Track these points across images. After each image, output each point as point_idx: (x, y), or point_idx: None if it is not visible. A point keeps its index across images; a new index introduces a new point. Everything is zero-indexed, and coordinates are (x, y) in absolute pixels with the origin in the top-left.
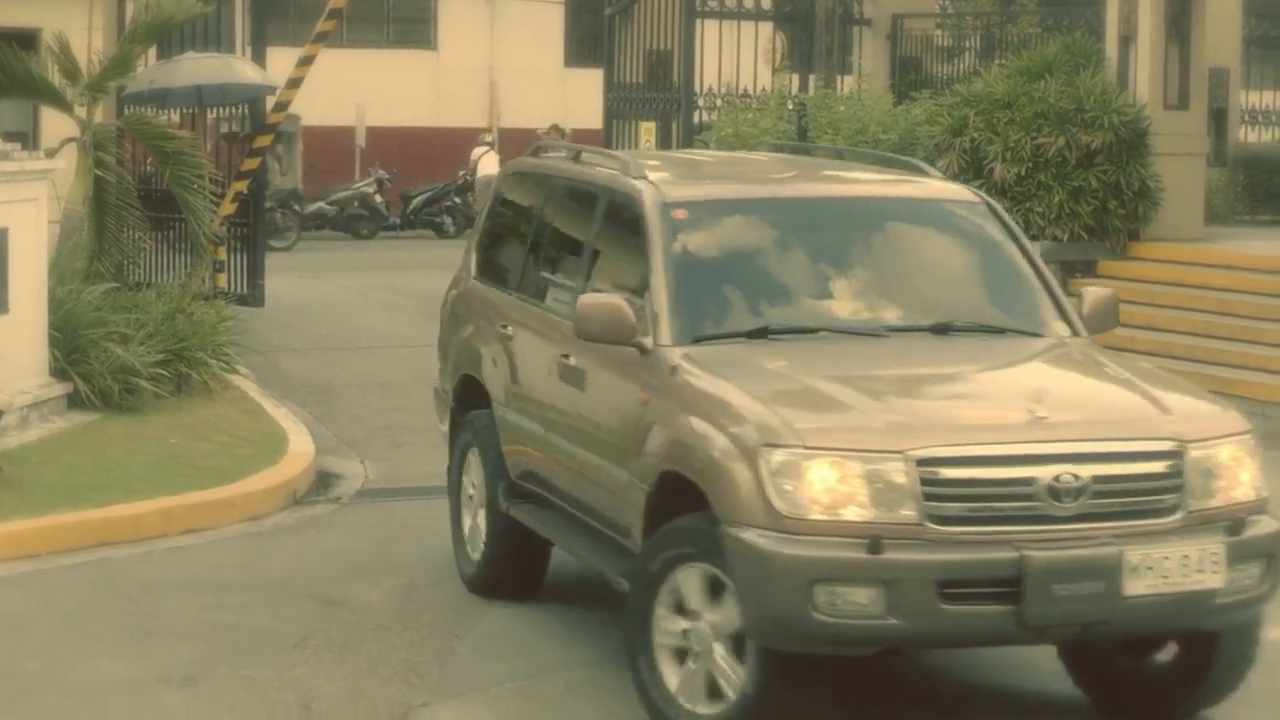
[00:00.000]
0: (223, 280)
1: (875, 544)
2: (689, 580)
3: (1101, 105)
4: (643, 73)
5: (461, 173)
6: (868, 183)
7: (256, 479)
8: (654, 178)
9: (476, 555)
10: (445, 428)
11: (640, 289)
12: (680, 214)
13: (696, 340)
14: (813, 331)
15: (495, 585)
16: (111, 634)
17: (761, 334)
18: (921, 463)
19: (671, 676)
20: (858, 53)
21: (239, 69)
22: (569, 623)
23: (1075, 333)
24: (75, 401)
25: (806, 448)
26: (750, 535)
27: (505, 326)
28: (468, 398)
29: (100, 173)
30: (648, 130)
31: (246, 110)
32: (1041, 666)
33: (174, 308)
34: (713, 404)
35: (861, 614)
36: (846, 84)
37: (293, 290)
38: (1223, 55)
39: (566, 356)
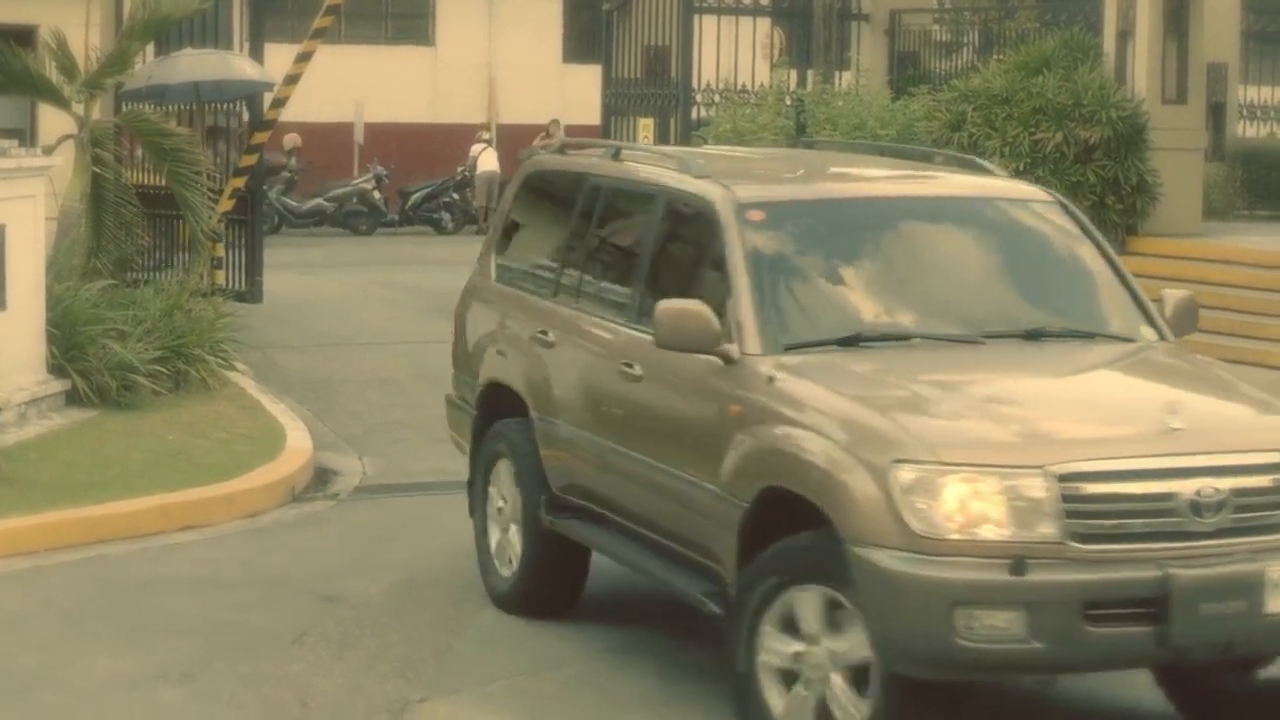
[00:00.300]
0: (221, 277)
1: (1019, 564)
2: (802, 603)
3: (1099, 100)
4: (641, 68)
5: (460, 169)
6: (943, 181)
7: (254, 476)
8: (720, 178)
9: (509, 571)
10: (463, 437)
11: (713, 295)
12: (756, 215)
13: (786, 349)
14: (905, 339)
15: (531, 602)
16: (109, 631)
17: (853, 342)
18: (1063, 478)
19: (776, 700)
20: (856, 48)
21: (237, 65)
22: (566, 620)
23: (1162, 336)
24: (73, 398)
25: (941, 463)
26: (881, 556)
27: (545, 333)
28: (494, 406)
29: (98, 170)
30: (645, 126)
31: (242, 106)
32: (1131, 678)
33: (172, 304)
34: (827, 417)
35: (1002, 638)
36: (845, 79)
37: (291, 287)
38: (1221, 50)
39: (629, 365)
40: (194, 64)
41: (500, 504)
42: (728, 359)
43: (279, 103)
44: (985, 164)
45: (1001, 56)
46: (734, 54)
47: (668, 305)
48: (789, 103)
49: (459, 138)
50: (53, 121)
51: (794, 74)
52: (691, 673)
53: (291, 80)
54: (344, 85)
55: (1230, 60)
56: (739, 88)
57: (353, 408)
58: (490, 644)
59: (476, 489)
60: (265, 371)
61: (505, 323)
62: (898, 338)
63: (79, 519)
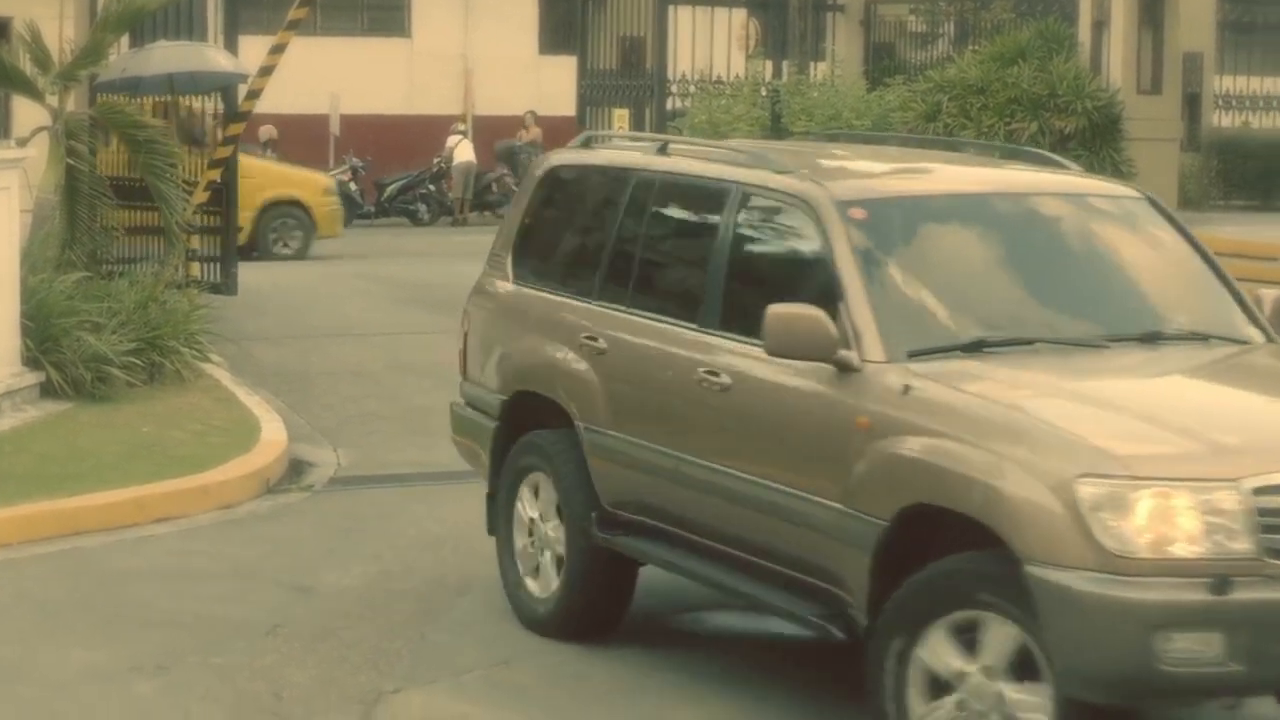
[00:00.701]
0: (196, 269)
1: (1222, 583)
2: (965, 626)
3: (1075, 90)
4: (616, 60)
5: (436, 160)
6: (1033, 176)
7: (229, 467)
8: (807, 174)
9: (545, 592)
10: (479, 449)
11: (812, 298)
12: (858, 214)
13: (909, 356)
14: (1028, 343)
15: (575, 624)
16: (84, 623)
17: (976, 348)
18: (1258, 491)
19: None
20: (831, 39)
21: (211, 57)
22: None
23: (1269, 338)
24: (48, 390)
25: (1133, 478)
26: (1069, 578)
27: (594, 339)
28: (522, 417)
29: (72, 161)
30: (620, 117)
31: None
32: None
33: (147, 296)
34: (986, 427)
35: (1199, 661)
36: (820, 70)
37: (266, 278)
38: (1197, 40)
39: (714, 374)
40: (168, 56)
41: (532, 521)
42: (845, 367)
43: (254, 94)
44: (1055, 157)
45: (977, 47)
46: (709, 45)
47: (779, 310)
48: (764, 93)
49: (435, 130)
50: (27, 113)
51: (769, 65)
52: (667, 662)
53: (266, 72)
54: (319, 77)
55: (1206, 50)
56: (714, 78)
57: (327, 399)
58: (464, 634)
59: (500, 505)
60: (240, 363)
61: (535, 328)
62: (1021, 342)
63: (53, 511)
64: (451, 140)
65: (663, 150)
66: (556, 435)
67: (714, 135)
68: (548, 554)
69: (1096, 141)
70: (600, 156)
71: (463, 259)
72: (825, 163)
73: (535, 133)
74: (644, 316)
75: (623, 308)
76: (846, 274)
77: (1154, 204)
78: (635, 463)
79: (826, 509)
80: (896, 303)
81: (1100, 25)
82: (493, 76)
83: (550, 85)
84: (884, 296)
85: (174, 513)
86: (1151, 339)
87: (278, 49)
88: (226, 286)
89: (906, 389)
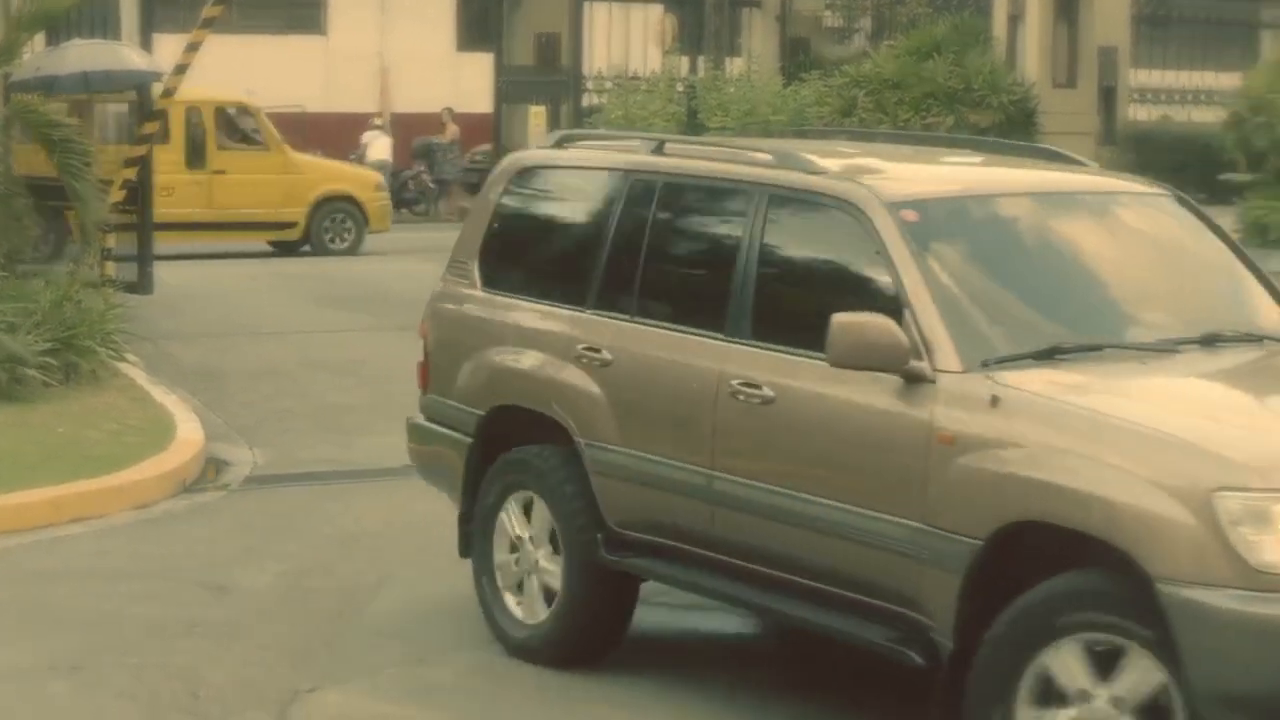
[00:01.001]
0: (111, 268)
1: None
2: (1069, 657)
3: (990, 85)
4: (533, 56)
5: (351, 156)
6: (1066, 175)
7: (145, 466)
8: (844, 173)
9: (535, 619)
10: (448, 468)
11: (866, 306)
12: (910, 215)
13: (984, 365)
14: (1097, 349)
15: (573, 649)
16: None
17: (1049, 355)
18: None
19: None
20: (747, 35)
21: (126, 55)
22: (456, 606)
23: None
24: None
25: (1273, 490)
26: (1210, 596)
27: (595, 350)
28: (504, 433)
29: None
30: (537, 114)
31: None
32: None
33: (62, 295)
34: (1099, 440)
35: None
36: (736, 66)
37: (182, 277)
38: (1112, 34)
39: (753, 386)
40: (83, 54)
41: (517, 543)
42: (916, 378)
43: (169, 93)
44: (1068, 154)
45: (892, 42)
46: (625, 41)
47: (846, 320)
48: (680, 89)
49: (351, 127)
50: None
51: (685, 60)
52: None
53: (181, 70)
54: (235, 75)
55: (1121, 44)
56: (630, 75)
57: (243, 398)
58: (381, 633)
59: (477, 525)
60: (156, 362)
61: (517, 338)
62: (1091, 348)
63: None
64: (366, 136)
65: (659, 150)
66: (549, 452)
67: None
68: (535, 578)
69: (1012, 135)
70: (580, 156)
71: (377, 257)
72: (855, 161)
73: (453, 130)
74: (656, 326)
75: (626, 317)
76: (909, 280)
77: (1183, 201)
78: (652, 480)
79: (900, 528)
80: (963, 309)
81: (1015, 19)
82: (410, 74)
83: (468, 82)
84: (951, 303)
85: (90, 513)
86: (1210, 341)
87: (193, 47)
88: (142, 285)
89: (995, 400)
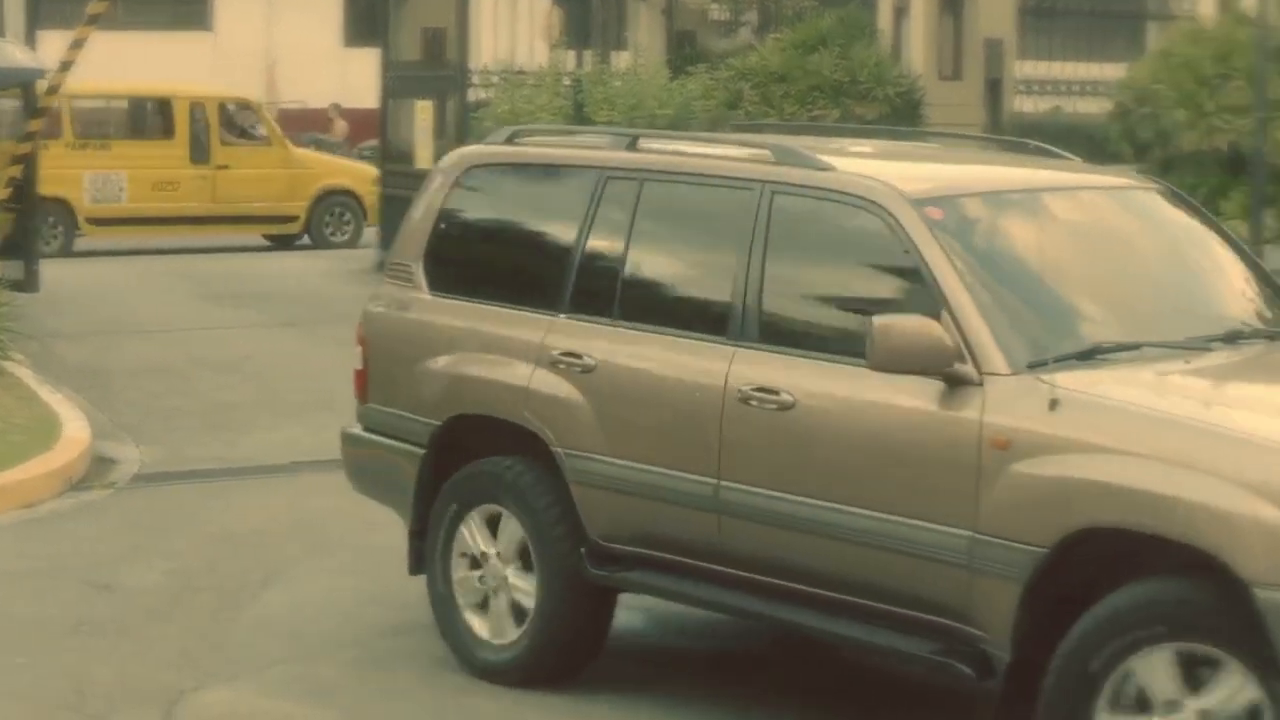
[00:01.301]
0: None
1: None
2: (1157, 664)
3: (876, 77)
4: (420, 51)
5: None
6: (1077, 171)
7: (30, 465)
8: (864, 171)
9: (505, 639)
10: (396, 481)
11: (894, 307)
12: (935, 213)
13: (1029, 366)
14: (1135, 347)
15: (549, 668)
16: None
17: (1091, 355)
18: None
19: None
20: (634, 28)
21: (9, 53)
22: (341, 604)
23: None
24: None
25: None
26: None
27: (576, 356)
28: (461, 444)
29: None
30: (424, 109)
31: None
32: None
33: None
34: (1182, 442)
35: None
36: (623, 59)
37: (69, 275)
38: (997, 26)
39: (771, 392)
40: None
41: (482, 559)
42: (960, 381)
43: (54, 89)
44: (1054, 149)
45: (778, 35)
46: (512, 35)
47: (888, 321)
48: (567, 83)
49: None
50: None
51: (572, 54)
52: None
53: (66, 67)
54: (122, 71)
55: (1007, 36)
56: (517, 69)
57: (130, 396)
58: (267, 630)
59: (433, 543)
60: (42, 361)
61: (477, 344)
62: (1132, 347)
63: None
64: None
65: (632, 145)
66: (520, 463)
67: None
68: (503, 596)
69: (898, 127)
70: (540, 154)
71: (266, 254)
72: (859, 158)
73: (341, 126)
74: (646, 330)
75: (608, 321)
76: (945, 280)
77: (1178, 196)
78: (645, 490)
79: (948, 536)
80: (1002, 309)
81: (901, 12)
82: (297, 69)
83: (355, 78)
84: (989, 303)
85: None
86: (1233, 338)
87: (78, 44)
88: (28, 283)
89: (1055, 404)
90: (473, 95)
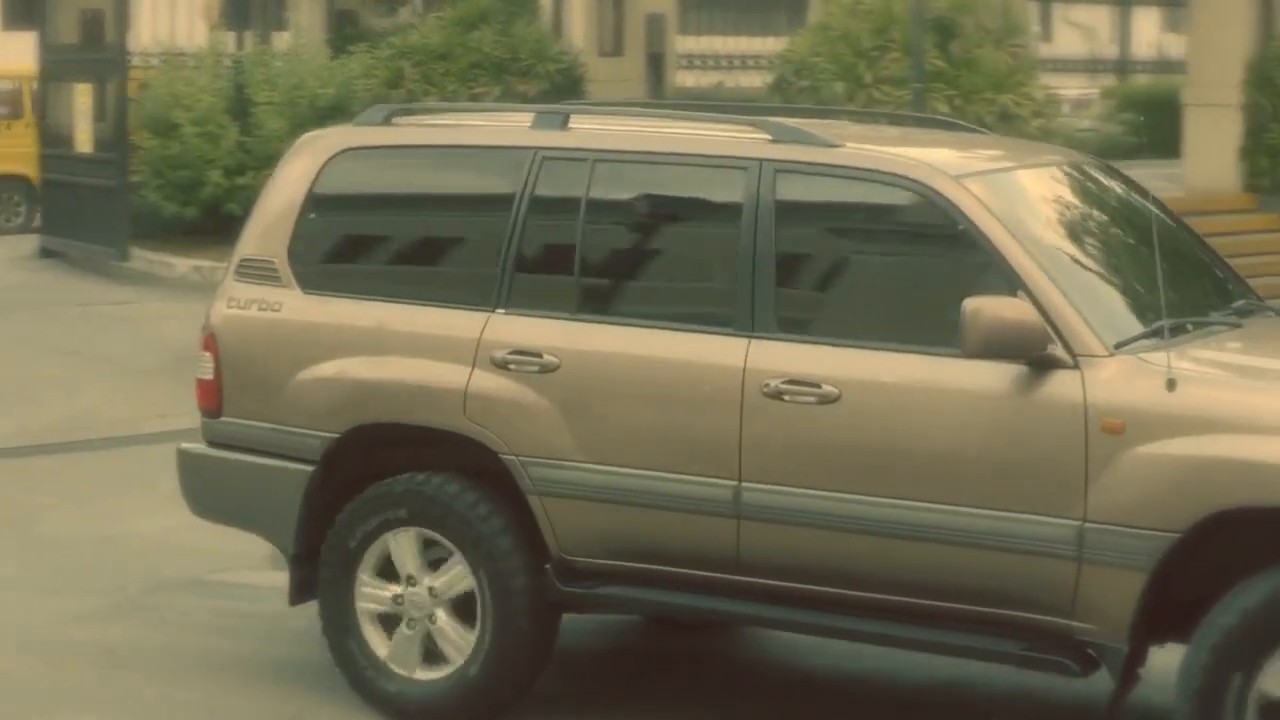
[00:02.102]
0: None
1: None
2: None
3: (537, 54)
4: (78, 33)
5: None
6: (1039, 146)
7: None
8: (885, 146)
9: (434, 673)
10: (270, 500)
11: (950, 289)
12: (979, 189)
13: (1117, 346)
14: (1206, 324)
15: (493, 701)
16: None
17: (1172, 332)
18: None
19: None
20: (294, 8)
21: None
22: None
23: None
24: None
25: None
26: None
27: (533, 354)
28: (364, 458)
29: None
30: (84, 92)
31: None
32: None
33: None
34: None
35: None
36: (284, 40)
37: None
38: (658, 1)
39: (810, 385)
40: None
41: (400, 588)
42: (1053, 364)
43: None
44: (968, 125)
45: (440, 13)
46: (171, 16)
47: (981, 304)
48: (228, 64)
49: None
50: None
51: (232, 36)
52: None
53: None
54: None
55: (668, 11)
56: (178, 50)
57: None
58: None
59: (332, 572)
60: None
61: (382, 345)
62: (1180, 326)
63: None
64: None
65: (565, 124)
66: (454, 480)
67: (177, 108)
68: (425, 625)
69: (560, 103)
70: (435, 135)
71: None
72: (865, 134)
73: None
74: (621, 324)
75: (566, 315)
76: (1017, 259)
77: (1112, 169)
78: (637, 498)
79: (1053, 528)
80: (1077, 288)
81: None
82: None
83: (16, 61)
84: (1066, 282)
85: None
86: (1245, 313)
87: None
88: None
89: (1172, 384)
90: (131, 77)
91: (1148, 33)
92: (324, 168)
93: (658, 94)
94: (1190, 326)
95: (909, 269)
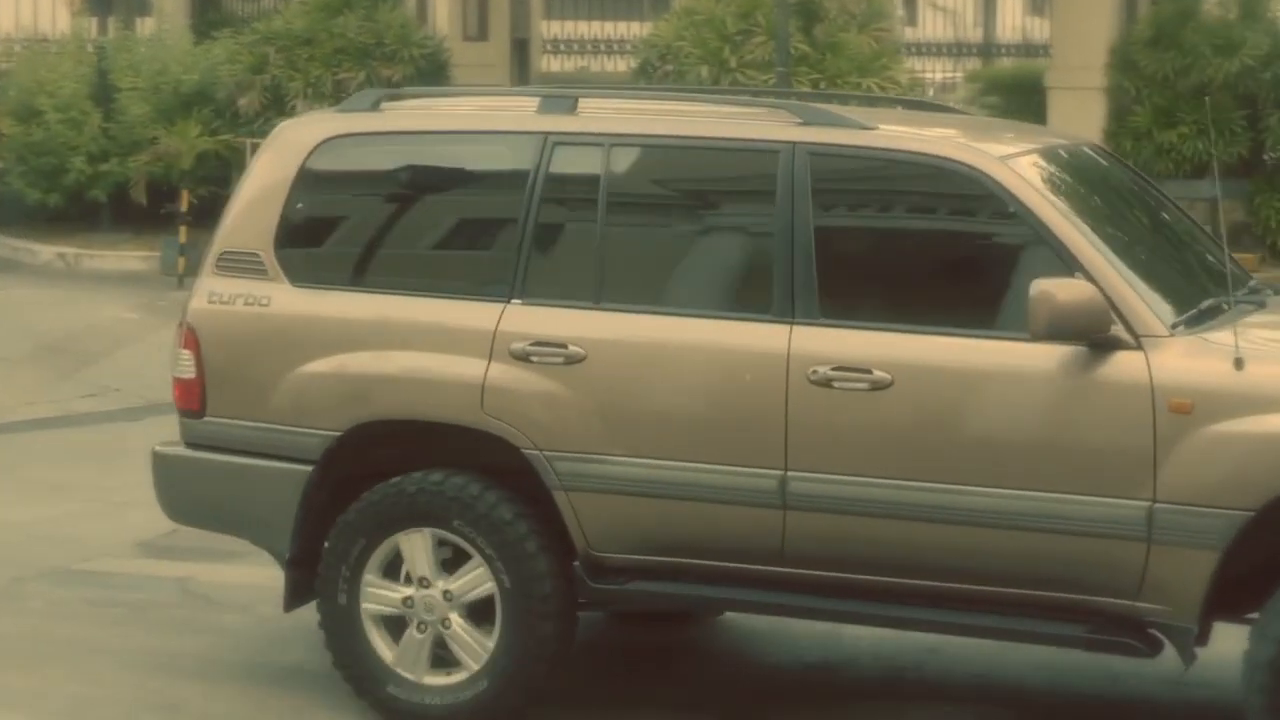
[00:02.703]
0: None
1: None
2: None
3: (401, 39)
4: None
5: None
6: (1032, 126)
7: None
8: (930, 133)
9: (448, 678)
10: (262, 502)
11: (1004, 272)
12: (1028, 170)
13: (1174, 326)
14: (1258, 302)
15: (515, 709)
16: None
17: (1215, 312)
18: None
19: None
20: None
21: None
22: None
23: None
24: None
25: None
26: None
27: (558, 345)
28: (368, 456)
29: None
30: None
31: None
32: None
33: None
34: None
35: None
36: (147, 25)
37: None
38: None
39: (861, 371)
40: None
41: (411, 590)
42: (1114, 345)
43: None
44: (939, 103)
45: None
46: (34, 2)
47: (1049, 286)
48: (91, 50)
49: None
50: None
51: (95, 22)
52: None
53: None
54: None
55: None
56: (40, 37)
57: None
58: None
59: (335, 574)
60: None
61: (389, 338)
62: (1255, 301)
63: None
64: None
65: (574, 108)
66: (475, 481)
67: (41, 95)
68: (438, 629)
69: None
70: (430, 122)
71: None
72: (876, 116)
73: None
74: (651, 313)
75: (589, 304)
76: (1073, 240)
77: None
78: (674, 491)
79: (1122, 509)
80: (1130, 268)
81: None
82: None
83: None
84: (1122, 263)
85: None
86: (1256, 293)
87: None
88: None
89: (1240, 363)
90: None
91: (1012, 17)
92: (309, 156)
93: (523, 80)
94: (1225, 307)
95: (958, 252)
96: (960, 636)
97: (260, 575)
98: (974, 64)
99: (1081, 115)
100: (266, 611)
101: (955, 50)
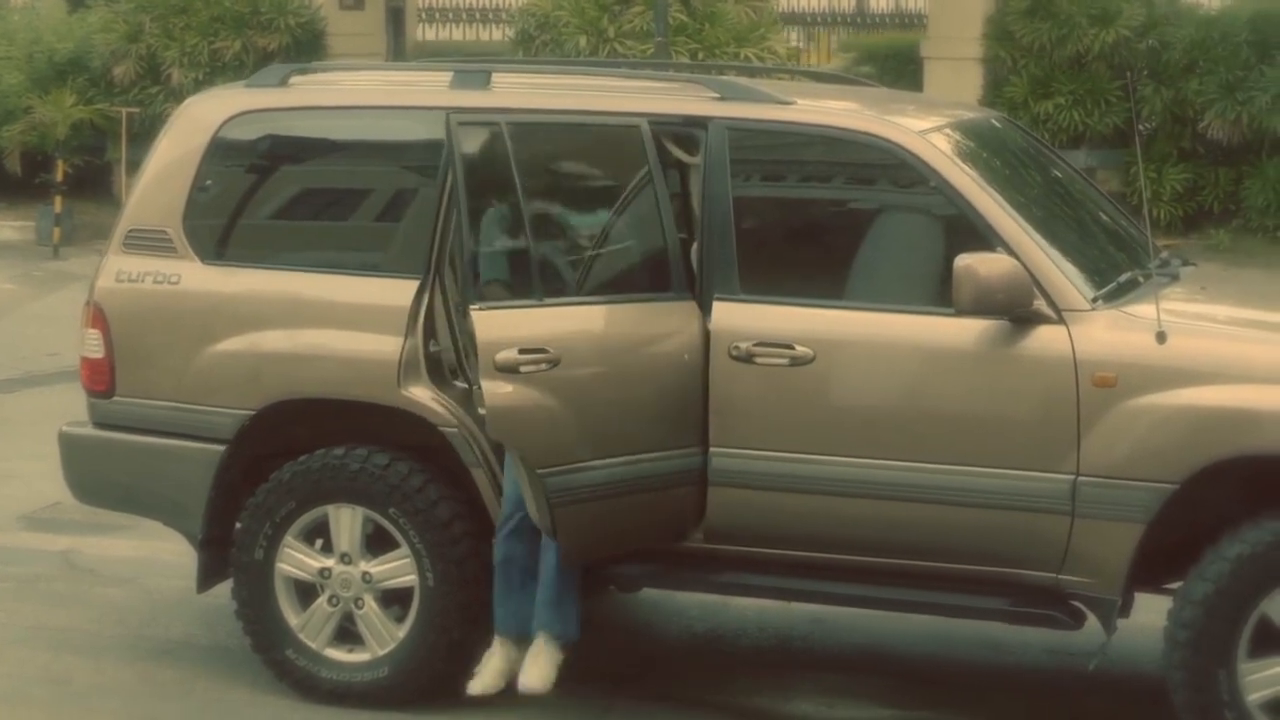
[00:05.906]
0: None
1: None
2: None
3: (277, 8)
4: None
5: None
6: (949, 100)
7: None
8: (848, 107)
9: (369, 653)
10: (171, 480)
11: (929, 247)
12: (944, 144)
13: (1095, 301)
14: (1176, 277)
15: (410, 696)
16: None
17: (1133, 285)
18: None
19: None
20: None
21: None
22: None
23: None
24: None
25: None
26: None
27: (540, 349)
28: (286, 435)
29: None
30: None
31: None
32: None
33: None
34: None
35: None
36: None
37: None
38: None
39: (781, 346)
40: None
41: (331, 563)
42: (1036, 319)
43: None
44: (853, 77)
45: None
46: None
47: (973, 262)
48: None
49: None
50: None
51: None
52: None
53: None
54: None
55: None
56: None
57: None
58: None
59: (256, 530)
60: None
61: (305, 316)
62: (1135, 281)
63: None
64: None
65: (486, 83)
66: (417, 472)
67: None
68: (364, 611)
69: (301, 58)
70: (339, 97)
71: None
72: (792, 90)
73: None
74: (577, 302)
75: (509, 280)
76: (994, 215)
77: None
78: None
79: (1045, 483)
80: (1052, 243)
81: None
82: None
83: None
84: (1045, 238)
85: None
86: (1166, 265)
87: None
88: None
89: (1162, 336)
90: None
91: None
92: (217, 133)
93: (398, 48)
94: (1141, 280)
95: (878, 228)
96: (883, 611)
97: (145, 548)
98: (848, 34)
99: (958, 86)
100: (152, 584)
101: (829, 20)
